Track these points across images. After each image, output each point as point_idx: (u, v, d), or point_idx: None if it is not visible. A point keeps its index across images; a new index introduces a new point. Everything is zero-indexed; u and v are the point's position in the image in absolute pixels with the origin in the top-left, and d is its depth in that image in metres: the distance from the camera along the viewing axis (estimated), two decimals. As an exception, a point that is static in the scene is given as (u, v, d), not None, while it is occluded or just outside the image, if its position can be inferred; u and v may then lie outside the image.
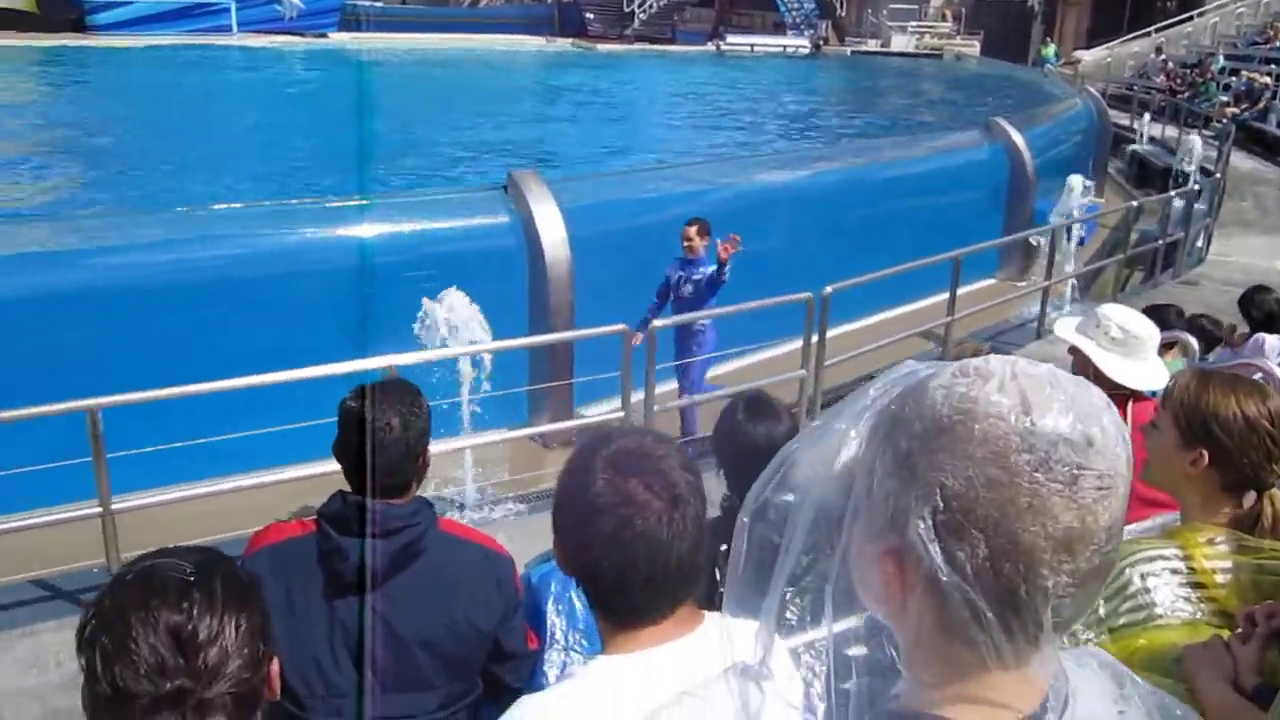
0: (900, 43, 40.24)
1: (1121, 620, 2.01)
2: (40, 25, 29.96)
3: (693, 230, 7.79)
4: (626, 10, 38.24)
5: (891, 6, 42.65)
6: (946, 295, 9.43)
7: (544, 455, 7.81)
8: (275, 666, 1.36)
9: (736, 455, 2.82)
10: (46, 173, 15.11)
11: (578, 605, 2.69)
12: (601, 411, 7.50)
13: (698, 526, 1.52)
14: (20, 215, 12.01)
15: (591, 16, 38.46)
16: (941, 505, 0.94)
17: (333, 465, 5.51)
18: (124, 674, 1.23)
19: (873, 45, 40.81)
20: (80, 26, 30.76)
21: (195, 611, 1.27)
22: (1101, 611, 2.02)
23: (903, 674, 1.04)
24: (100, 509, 5.08)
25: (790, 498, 1.11)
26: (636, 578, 1.48)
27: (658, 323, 6.47)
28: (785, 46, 39.48)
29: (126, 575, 1.33)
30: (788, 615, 1.11)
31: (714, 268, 7.49)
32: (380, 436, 2.39)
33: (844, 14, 43.57)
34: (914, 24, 41.99)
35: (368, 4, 36.53)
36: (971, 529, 0.93)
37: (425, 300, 6.47)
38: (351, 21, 34.72)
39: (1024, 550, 0.92)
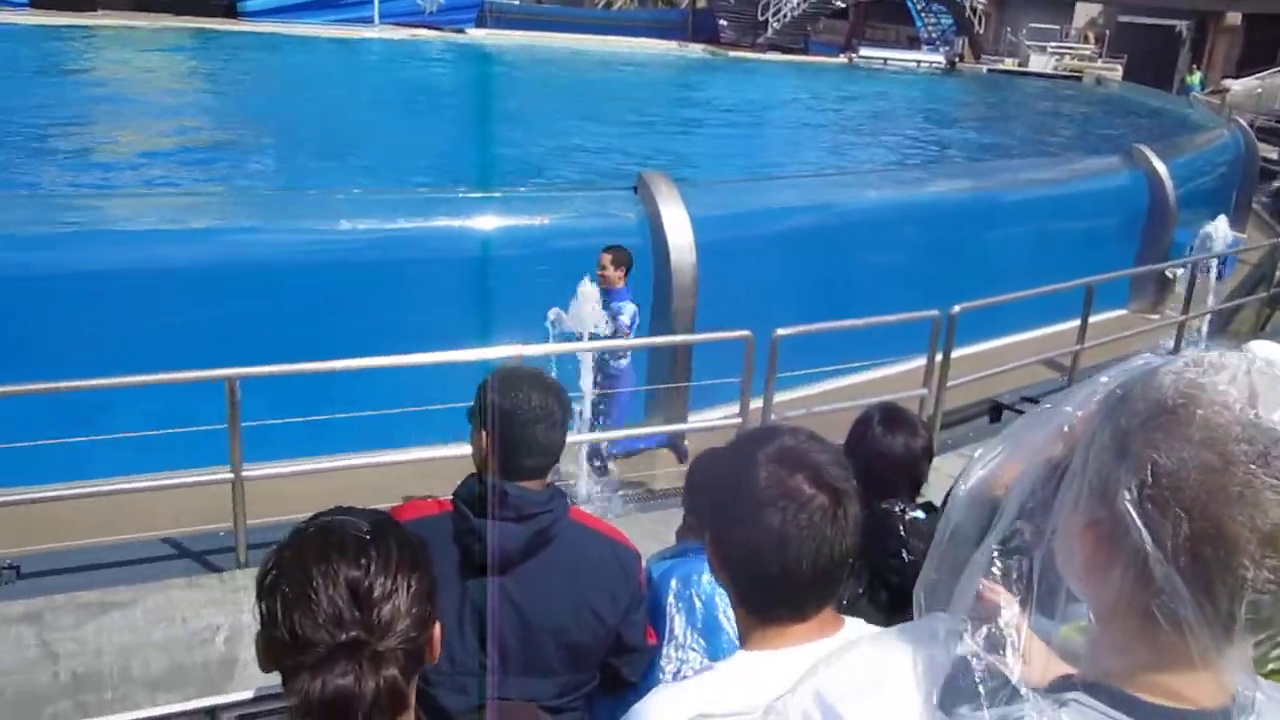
0: (1039, 63, 39.24)
1: (1269, 667, 1.94)
2: (194, 9, 31.20)
3: (607, 258, 7.05)
4: (760, 19, 38.07)
5: (1031, 25, 41.67)
6: (1074, 323, 9.19)
7: (656, 456, 7.87)
8: (437, 631, 1.40)
9: (872, 467, 2.79)
10: (193, 152, 15.75)
11: (697, 604, 2.70)
12: (716, 416, 7.49)
13: (856, 525, 1.54)
14: (168, 188, 12.55)
15: (725, 23, 38.38)
16: (1150, 480, 0.96)
17: (451, 449, 5.63)
18: (302, 622, 1.28)
19: (1010, 64, 39.86)
20: (231, 12, 31.95)
21: (372, 568, 1.32)
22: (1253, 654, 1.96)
23: (1092, 645, 1.06)
24: (232, 475, 5.26)
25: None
26: (802, 571, 1.49)
27: (782, 331, 6.42)
28: (919, 61, 38.88)
29: (307, 529, 1.39)
30: (993, 570, 1.14)
31: (628, 306, 6.95)
32: (524, 421, 2.43)
33: (981, 31, 42.71)
34: (1054, 44, 40.95)
35: (504, 1, 37.14)
36: (1176, 507, 0.94)
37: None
38: (488, 18, 35.34)
39: (1228, 537, 0.93)
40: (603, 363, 7.16)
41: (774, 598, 1.53)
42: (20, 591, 5.04)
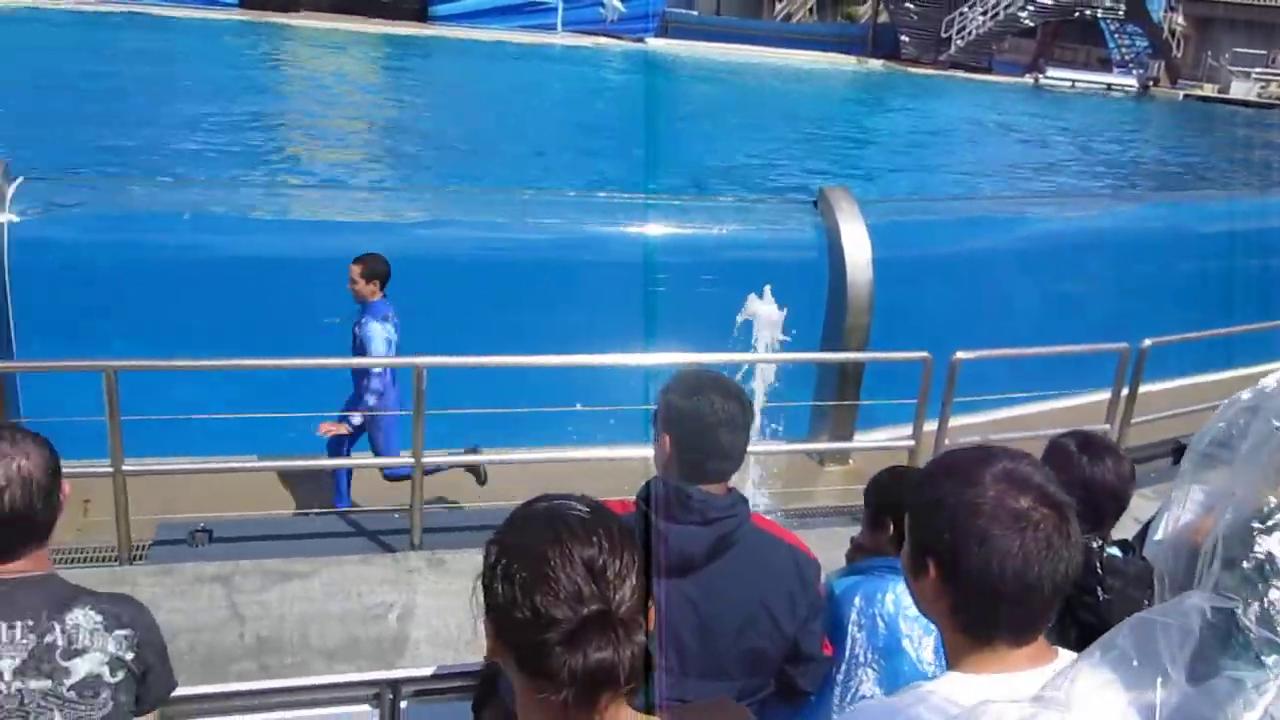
0: (1240, 89, 37.24)
1: None
2: (387, 13, 32.59)
3: (356, 270, 6.34)
4: (944, 35, 37.33)
5: (1235, 50, 39.58)
6: (1272, 365, 8.65)
7: (819, 473, 7.78)
8: (651, 610, 1.43)
9: (1083, 497, 2.69)
10: (378, 148, 16.42)
11: (880, 625, 2.66)
12: (884, 438, 7.36)
13: (1080, 542, 1.52)
14: (359, 181, 13.11)
15: (907, 39, 37.79)
16: None
17: (617, 451, 5.66)
18: (543, 602, 1.32)
19: (1209, 90, 37.99)
20: (422, 16, 33.20)
21: (604, 545, 1.37)
22: None
23: None
24: (412, 460, 5.44)
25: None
26: (1042, 591, 1.49)
27: (962, 354, 6.23)
28: (1109, 84, 37.43)
29: (528, 515, 1.44)
30: (1255, 550, 1.22)
31: (376, 329, 6.23)
32: (708, 425, 2.43)
33: (1179, 55, 40.83)
34: (1259, 70, 38.79)
35: (684, 12, 37.48)
36: None
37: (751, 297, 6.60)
38: (668, 28, 35.73)
39: None
40: (360, 381, 6.45)
41: (1004, 620, 1.51)
42: (212, 554, 5.34)
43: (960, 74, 36.03)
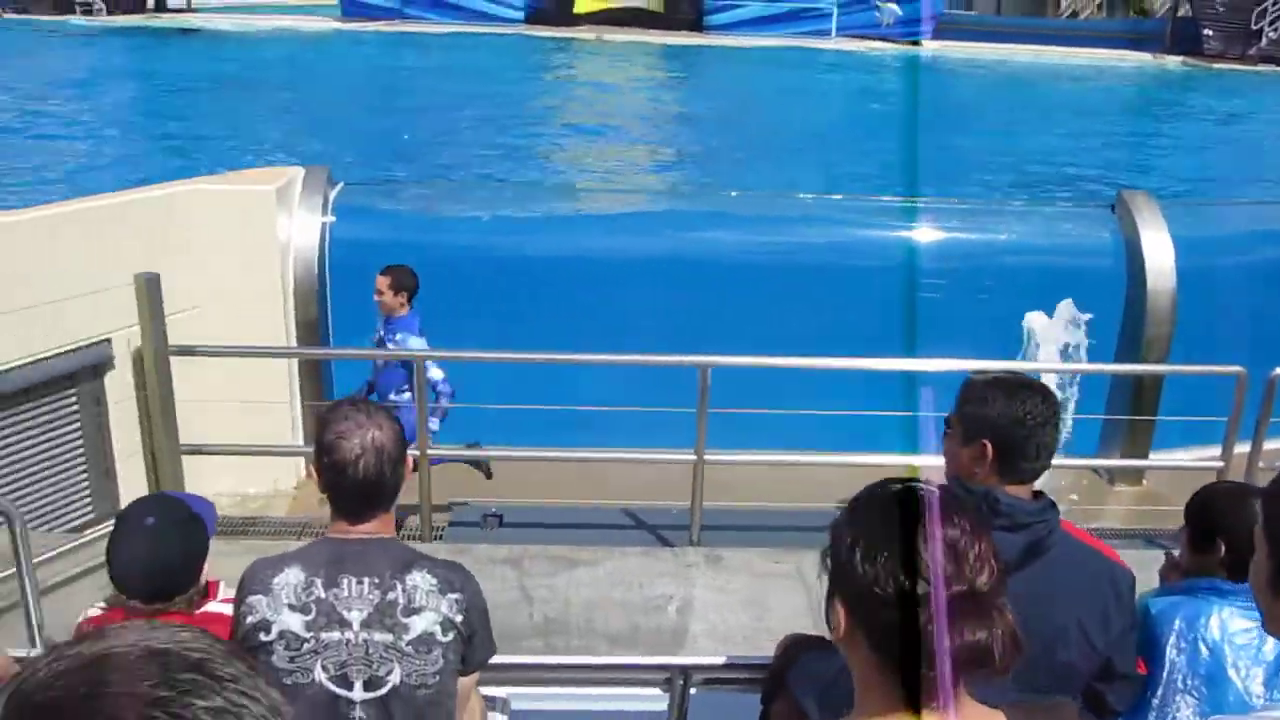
0: None
1: None
2: (662, 23, 33.29)
3: (383, 282, 6.14)
4: (1254, 27, 34.34)
5: None
6: None
7: (1108, 492, 7.37)
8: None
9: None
10: (658, 153, 16.87)
11: (1203, 650, 2.51)
12: (1186, 458, 6.88)
13: None
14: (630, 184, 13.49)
15: (1210, 33, 34.98)
16: None
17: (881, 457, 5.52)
18: (910, 581, 1.35)
19: None
20: (697, 26, 33.71)
21: (964, 528, 1.39)
22: None
23: None
24: (694, 457, 5.56)
25: None
26: None
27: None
28: None
29: (882, 496, 1.46)
30: None
31: (413, 340, 6.06)
32: (1034, 426, 2.37)
33: None
34: None
35: (962, 13, 36.32)
36: None
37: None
38: (946, 30, 34.70)
39: None
40: (383, 393, 6.42)
41: None
42: (502, 537, 5.66)
43: (1274, 68, 33.07)
